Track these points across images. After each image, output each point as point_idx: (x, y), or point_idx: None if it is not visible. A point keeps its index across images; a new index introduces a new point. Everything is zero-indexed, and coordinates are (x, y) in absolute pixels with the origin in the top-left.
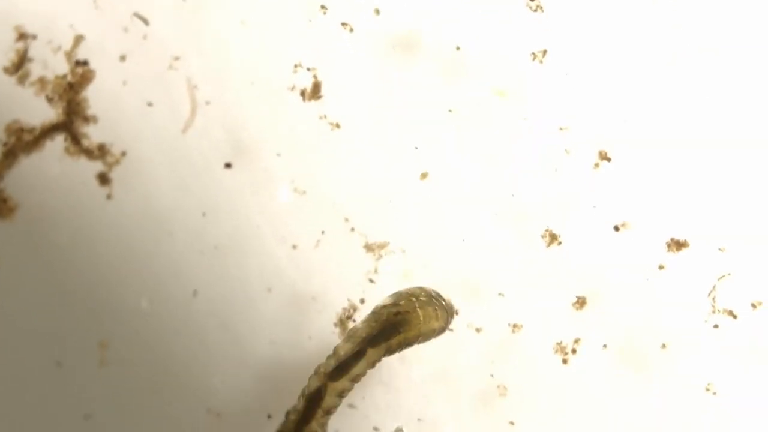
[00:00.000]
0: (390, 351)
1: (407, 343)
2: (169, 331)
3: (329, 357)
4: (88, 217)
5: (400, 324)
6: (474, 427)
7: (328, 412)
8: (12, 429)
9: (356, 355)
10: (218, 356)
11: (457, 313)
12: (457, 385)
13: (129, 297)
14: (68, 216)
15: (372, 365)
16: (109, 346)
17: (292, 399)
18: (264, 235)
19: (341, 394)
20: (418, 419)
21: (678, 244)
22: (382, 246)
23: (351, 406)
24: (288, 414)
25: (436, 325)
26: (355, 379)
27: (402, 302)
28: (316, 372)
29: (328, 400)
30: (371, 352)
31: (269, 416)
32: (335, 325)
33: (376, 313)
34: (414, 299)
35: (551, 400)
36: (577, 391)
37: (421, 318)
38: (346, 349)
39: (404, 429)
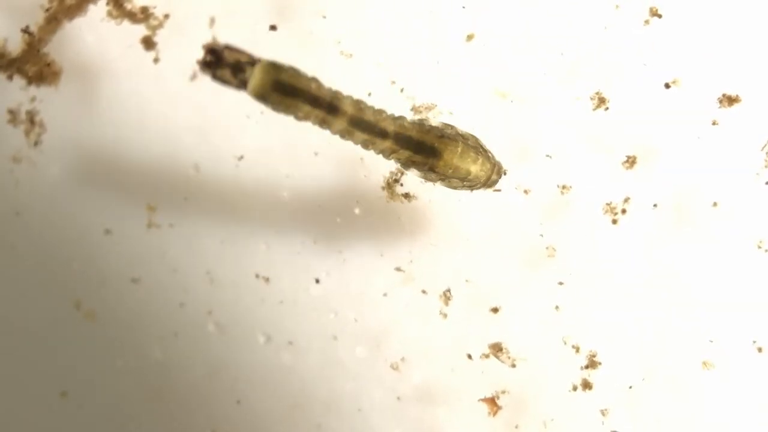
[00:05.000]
0: (409, 164)
1: (432, 169)
2: (215, 197)
3: (368, 108)
4: (135, 81)
5: (437, 147)
6: (522, 287)
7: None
8: (62, 294)
9: (383, 133)
10: (264, 221)
11: (505, 173)
12: (505, 246)
13: (176, 163)
14: (115, 80)
15: (387, 155)
16: (156, 210)
17: (339, 263)
18: None
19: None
20: (466, 280)
21: (730, 100)
22: (429, 108)
23: (398, 269)
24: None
25: (473, 168)
26: (364, 144)
27: (449, 131)
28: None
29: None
30: (395, 147)
31: (317, 280)
32: (382, 188)
33: (423, 124)
34: (461, 137)
35: (601, 261)
36: (627, 251)
37: (459, 151)
38: (386, 122)
39: (452, 290)
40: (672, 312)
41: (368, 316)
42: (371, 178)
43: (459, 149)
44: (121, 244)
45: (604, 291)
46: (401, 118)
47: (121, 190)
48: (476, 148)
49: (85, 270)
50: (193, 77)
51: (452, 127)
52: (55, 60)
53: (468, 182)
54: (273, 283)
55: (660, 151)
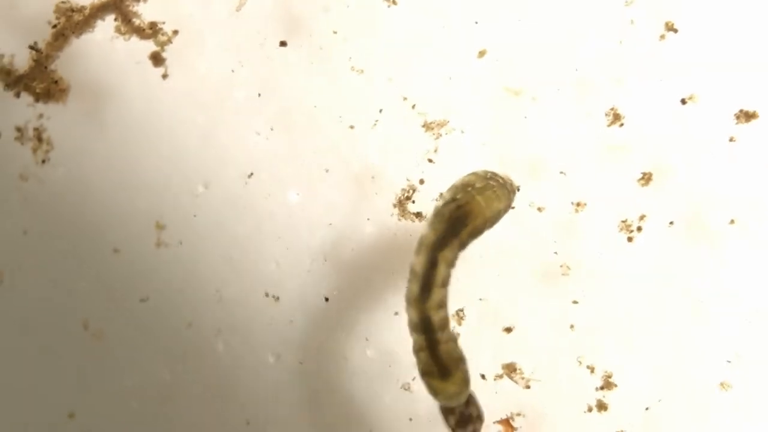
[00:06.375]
0: (463, 245)
1: (477, 232)
2: (224, 214)
3: (410, 281)
4: (143, 97)
5: (464, 217)
6: (536, 306)
7: (442, 328)
8: (70, 313)
9: (432, 265)
10: (274, 239)
11: (518, 189)
12: (519, 265)
13: (185, 180)
14: (124, 97)
15: (452, 265)
16: (165, 228)
17: (350, 281)
18: (320, 115)
19: (440, 306)
20: (479, 299)
21: (747, 116)
22: (441, 125)
23: None
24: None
25: (500, 206)
26: (444, 284)
27: (459, 195)
28: (407, 301)
29: (435, 319)
30: (446, 254)
31: (326, 299)
32: (394, 206)
33: (438, 213)
34: (470, 188)
35: (616, 279)
36: (642, 269)
37: (483, 204)
38: (421, 264)
39: (465, 309)
40: (689, 332)
41: (379, 335)
42: (382, 195)
43: (483, 201)
44: (129, 263)
45: (619, 310)
46: (427, 235)
47: (129, 208)
48: (487, 186)
49: (94, 289)
50: None
51: (457, 187)
52: (62, 77)
53: (501, 216)
54: (283, 302)
55: (676, 168)
